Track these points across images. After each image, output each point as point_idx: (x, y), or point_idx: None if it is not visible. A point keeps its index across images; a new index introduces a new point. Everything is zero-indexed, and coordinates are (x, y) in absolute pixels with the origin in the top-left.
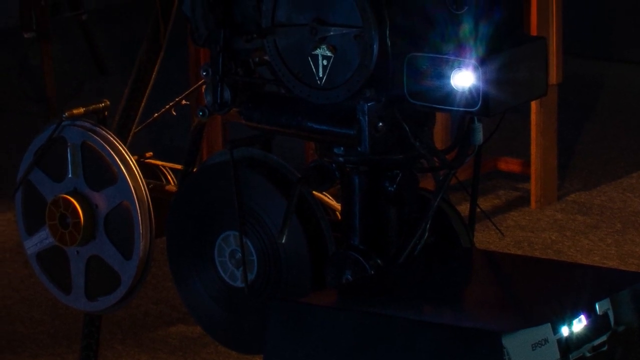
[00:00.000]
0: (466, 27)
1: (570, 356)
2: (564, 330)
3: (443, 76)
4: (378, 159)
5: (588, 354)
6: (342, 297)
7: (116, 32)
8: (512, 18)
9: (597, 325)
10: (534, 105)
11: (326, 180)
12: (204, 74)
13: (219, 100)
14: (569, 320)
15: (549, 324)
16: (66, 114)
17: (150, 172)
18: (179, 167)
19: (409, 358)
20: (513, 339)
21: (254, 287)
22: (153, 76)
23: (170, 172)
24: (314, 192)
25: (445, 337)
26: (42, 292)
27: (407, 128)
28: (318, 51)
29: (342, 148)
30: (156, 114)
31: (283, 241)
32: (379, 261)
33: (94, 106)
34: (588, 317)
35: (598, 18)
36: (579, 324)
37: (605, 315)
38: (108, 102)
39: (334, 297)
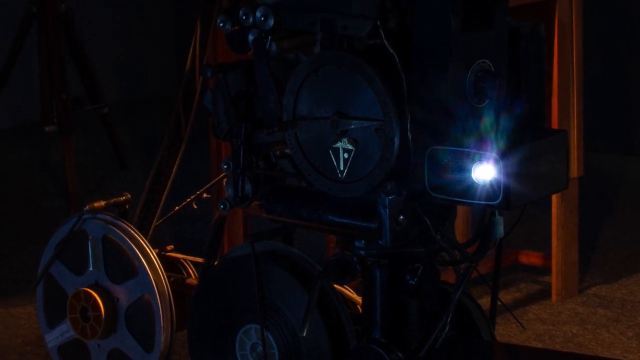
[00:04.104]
0: (487, 121)
1: None
2: None
3: (464, 169)
4: (399, 252)
5: None
6: None
7: (137, 125)
8: (533, 111)
9: None
10: (554, 198)
11: (347, 273)
12: (225, 167)
13: (240, 194)
14: None
15: None
16: (87, 207)
17: (171, 265)
18: (200, 260)
19: None
20: None
21: None
22: (174, 169)
23: (191, 266)
24: (335, 285)
25: None
26: None
27: (428, 221)
28: (339, 144)
29: (363, 241)
30: (177, 207)
31: (304, 334)
32: (400, 354)
33: (115, 199)
34: None
35: (619, 112)
36: None
37: None
38: (129, 195)
39: None
